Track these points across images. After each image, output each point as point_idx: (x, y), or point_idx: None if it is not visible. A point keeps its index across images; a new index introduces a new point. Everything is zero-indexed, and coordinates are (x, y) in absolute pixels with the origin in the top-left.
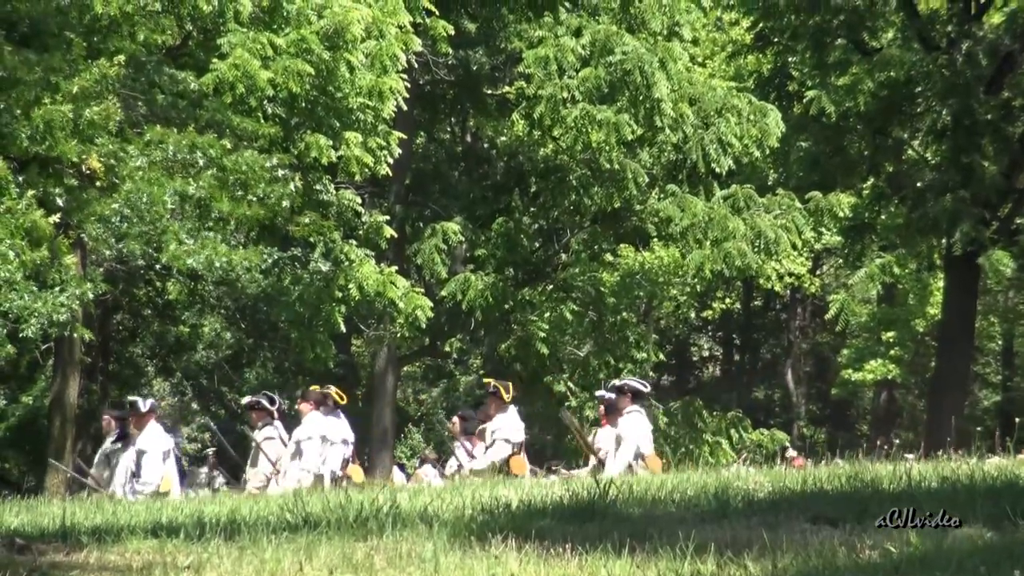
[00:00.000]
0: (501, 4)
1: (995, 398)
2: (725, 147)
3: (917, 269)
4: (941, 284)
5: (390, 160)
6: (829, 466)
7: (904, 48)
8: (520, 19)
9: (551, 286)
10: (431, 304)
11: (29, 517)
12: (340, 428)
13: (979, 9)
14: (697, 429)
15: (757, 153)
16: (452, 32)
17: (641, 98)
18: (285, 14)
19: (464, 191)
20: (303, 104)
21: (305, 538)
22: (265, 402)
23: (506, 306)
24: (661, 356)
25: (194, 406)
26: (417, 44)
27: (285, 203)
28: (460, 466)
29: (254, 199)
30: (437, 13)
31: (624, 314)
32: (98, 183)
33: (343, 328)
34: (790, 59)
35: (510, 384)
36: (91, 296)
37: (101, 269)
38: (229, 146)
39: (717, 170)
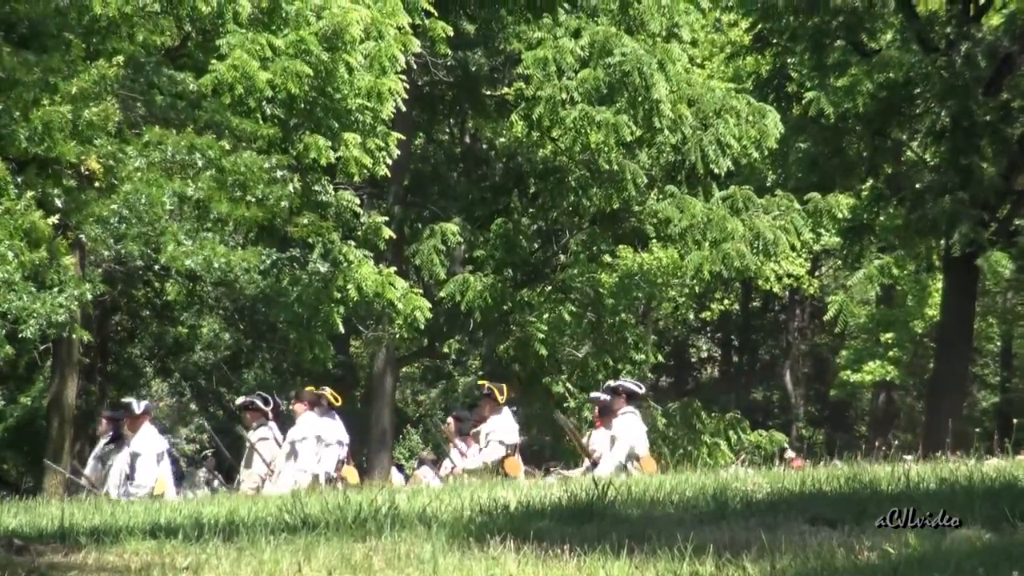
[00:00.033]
0: (500, 5)
1: (994, 399)
2: (724, 148)
3: (916, 270)
4: (940, 285)
5: (389, 161)
6: (827, 467)
7: (903, 49)
8: (519, 20)
9: (550, 287)
10: (430, 305)
11: (27, 518)
12: (335, 429)
13: (978, 11)
14: (695, 430)
15: (756, 154)
16: (451, 33)
17: (640, 99)
18: (284, 15)
19: (463, 192)
20: (302, 105)
21: (304, 539)
22: (259, 403)
23: (505, 307)
24: (659, 357)
25: (192, 407)
26: (416, 45)
27: (284, 204)
28: (453, 466)
29: (252, 200)
30: (436, 14)
31: (623, 315)
32: (97, 184)
33: (342, 329)
34: (789, 60)
35: (504, 386)
36: (89, 297)
37: (100, 270)
38: (228, 147)
39: (716, 171)
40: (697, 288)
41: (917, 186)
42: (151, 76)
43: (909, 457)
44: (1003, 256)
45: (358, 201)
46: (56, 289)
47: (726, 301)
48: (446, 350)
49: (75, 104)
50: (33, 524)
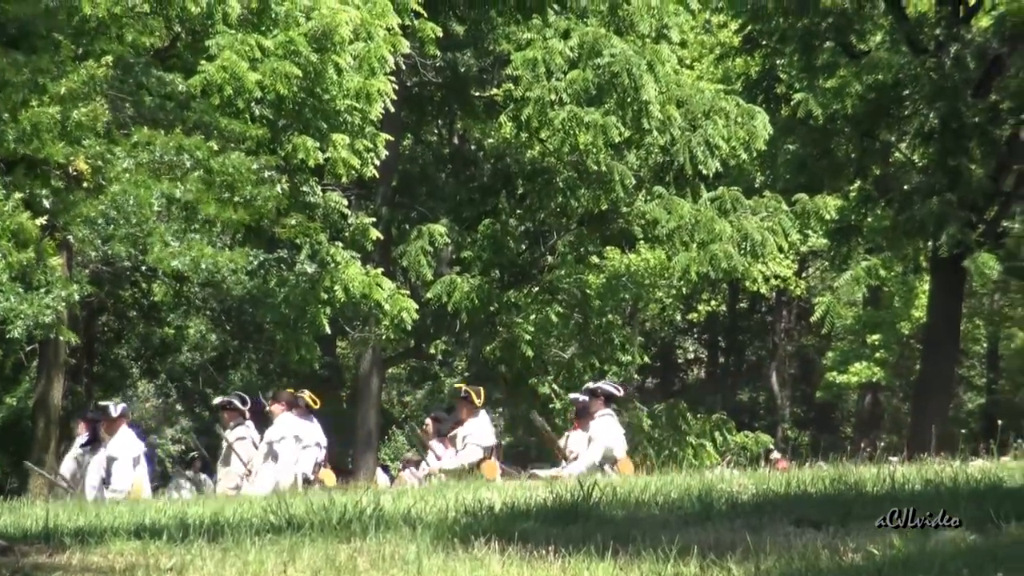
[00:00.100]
0: (489, 6)
1: (980, 401)
2: (712, 149)
3: (903, 272)
4: (927, 287)
5: (377, 162)
6: (813, 468)
7: (892, 51)
8: (508, 21)
9: (537, 288)
10: (416, 306)
11: (12, 518)
12: (313, 431)
13: (967, 12)
14: (681, 431)
15: (744, 155)
16: (440, 34)
17: (629, 100)
18: (273, 16)
19: (451, 193)
20: (290, 106)
21: (288, 540)
22: (237, 402)
23: (491, 308)
24: (646, 358)
25: (179, 407)
26: (405, 46)
27: (271, 205)
28: (428, 468)
29: (240, 201)
30: (425, 15)
31: (609, 316)
32: (85, 184)
33: (328, 330)
34: (778, 62)
35: (481, 389)
36: (77, 298)
37: (87, 271)
38: (216, 148)
39: (704, 172)
40: (684, 289)
41: (905, 187)
42: (140, 77)
43: (894, 458)
44: (990, 258)
45: (346, 202)
46: (43, 290)
47: (713, 302)
48: (432, 351)
49: (64, 105)
50: (17, 525)
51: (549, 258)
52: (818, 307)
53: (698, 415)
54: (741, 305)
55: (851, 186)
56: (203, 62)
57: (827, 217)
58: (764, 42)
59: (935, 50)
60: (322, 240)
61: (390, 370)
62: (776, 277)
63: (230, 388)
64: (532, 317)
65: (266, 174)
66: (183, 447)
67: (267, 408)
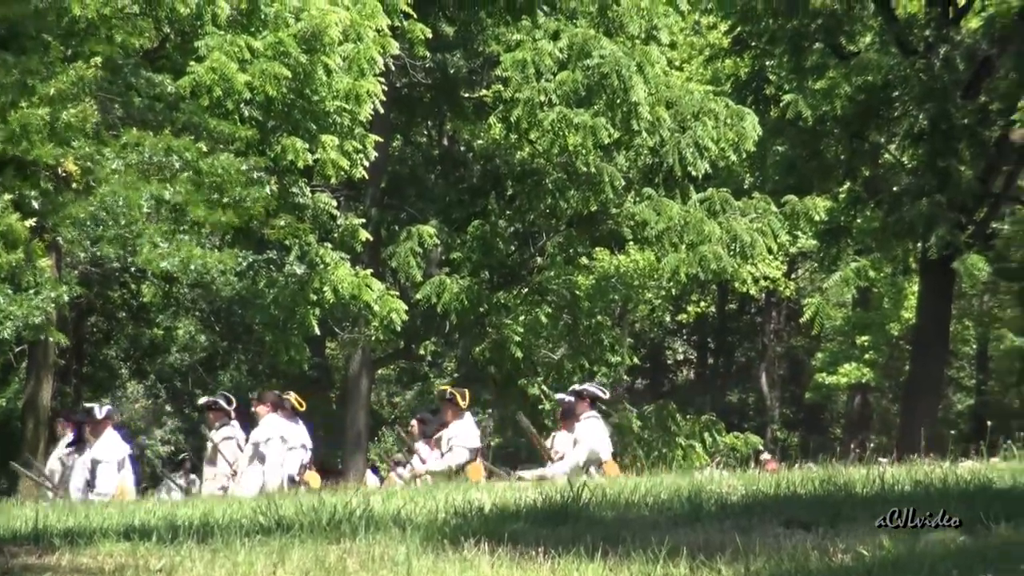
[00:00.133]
0: (479, 7)
1: (969, 402)
2: (702, 151)
3: (892, 273)
4: (916, 288)
5: (366, 163)
6: (802, 470)
7: (881, 52)
8: (498, 22)
9: (526, 289)
10: (406, 307)
11: (1, 519)
12: (299, 433)
13: (957, 13)
14: (670, 432)
15: (733, 157)
16: (430, 35)
17: (618, 101)
18: (263, 17)
19: (440, 194)
20: (280, 107)
21: (278, 541)
22: (222, 402)
23: (481, 309)
24: (635, 359)
25: (168, 408)
26: (394, 47)
27: (260, 206)
28: (413, 469)
29: (229, 201)
30: (415, 16)
31: (599, 317)
32: (74, 186)
33: (317, 331)
34: (767, 63)
35: (467, 391)
36: (66, 299)
37: (76, 272)
38: (205, 149)
39: (693, 173)
40: (673, 290)
41: (894, 189)
42: (129, 78)
43: (884, 459)
44: (979, 259)
45: (335, 203)
46: (32, 291)
47: (702, 303)
48: (422, 352)
49: (53, 106)
50: (7, 526)
51: (538, 259)
52: (807, 308)
53: (687, 416)
54: (730, 306)
55: (840, 187)
56: (192, 63)
57: (816, 218)
58: (753, 43)
59: (924, 51)
60: (311, 241)
61: (379, 371)
62: (765, 278)
63: (219, 389)
64: (521, 318)
65: (255, 175)
66: (172, 448)
67: (252, 409)
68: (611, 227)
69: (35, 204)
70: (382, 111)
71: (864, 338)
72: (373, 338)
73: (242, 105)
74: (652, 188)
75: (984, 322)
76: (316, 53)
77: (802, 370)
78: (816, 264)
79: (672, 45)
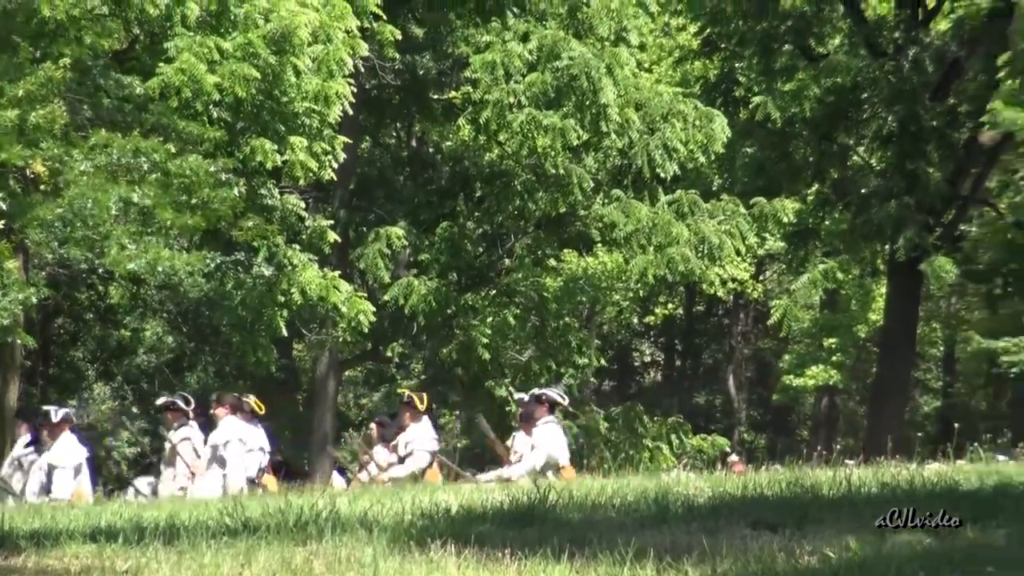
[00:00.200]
0: (448, 9)
1: (936, 404)
2: (670, 152)
3: (860, 275)
4: (883, 290)
5: (335, 165)
6: (769, 471)
7: (851, 54)
8: (467, 24)
9: (494, 291)
10: (373, 308)
11: None
12: (257, 436)
13: (926, 15)
14: (637, 434)
15: (702, 158)
16: (399, 37)
17: (587, 103)
18: (232, 18)
19: (409, 196)
20: (249, 108)
21: (244, 543)
22: (180, 403)
23: (449, 311)
24: (603, 361)
25: (134, 410)
26: (364, 49)
27: (227, 208)
28: (370, 476)
29: (198, 203)
30: (384, 18)
31: (567, 319)
32: (42, 187)
33: (285, 332)
34: (737, 65)
35: (425, 395)
36: (35, 301)
37: (43, 273)
38: (174, 150)
39: (662, 175)
40: (641, 292)
41: (863, 191)
42: (98, 79)
43: (851, 461)
44: (947, 261)
45: (303, 205)
46: (0, 293)
47: (670, 305)
48: (389, 354)
49: (21, 107)
50: None
51: (507, 261)
52: (775, 310)
53: (654, 418)
54: (698, 308)
55: (809, 189)
56: (161, 64)
57: (785, 220)
58: (723, 45)
59: (894, 53)
60: (279, 243)
61: (347, 373)
62: (733, 280)
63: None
64: (489, 320)
65: (224, 176)
66: (138, 450)
67: (211, 411)
68: (579, 229)
69: (3, 205)
70: (351, 112)
71: (831, 340)
72: (340, 340)
73: (211, 106)
74: (621, 190)
75: (951, 324)
76: (285, 54)
77: (769, 372)
78: (784, 266)
79: (642, 47)
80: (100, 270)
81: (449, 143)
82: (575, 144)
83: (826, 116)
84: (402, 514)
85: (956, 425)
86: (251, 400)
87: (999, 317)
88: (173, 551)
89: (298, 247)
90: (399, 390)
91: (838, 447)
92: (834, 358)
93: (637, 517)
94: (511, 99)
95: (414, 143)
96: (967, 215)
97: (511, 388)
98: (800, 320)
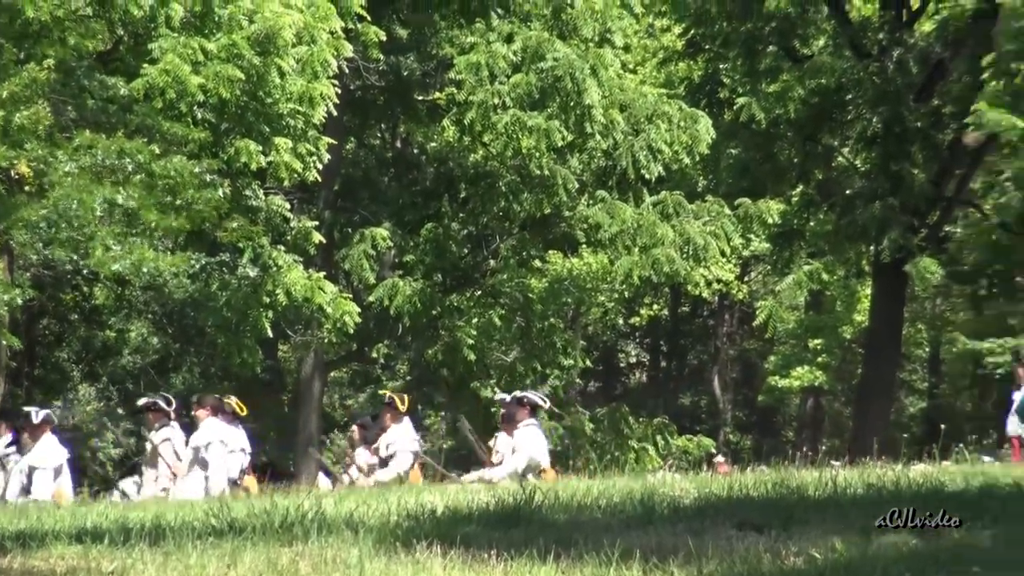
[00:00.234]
0: (433, 10)
1: (921, 405)
2: (655, 153)
3: (845, 276)
4: (868, 291)
5: (319, 166)
6: (755, 472)
7: (835, 55)
8: (452, 25)
9: (479, 292)
10: (359, 309)
11: None
12: (239, 437)
13: (910, 17)
14: (623, 435)
15: (687, 160)
16: (383, 38)
17: (572, 104)
18: (216, 19)
19: (393, 197)
20: (233, 109)
21: (230, 544)
22: (162, 403)
23: (434, 312)
24: (588, 362)
25: (120, 411)
26: (348, 50)
27: (212, 209)
28: (352, 479)
29: (182, 204)
30: (369, 19)
31: (552, 320)
32: (27, 188)
33: (270, 333)
34: (721, 66)
35: (406, 396)
36: (20, 302)
37: (28, 274)
38: (158, 151)
39: (647, 176)
40: (626, 293)
41: (847, 192)
42: (82, 80)
43: (836, 462)
44: (932, 262)
45: (288, 206)
46: None
47: (655, 307)
48: (375, 355)
49: (6, 108)
50: None
51: (492, 262)
52: (760, 311)
53: (640, 419)
54: (683, 309)
55: (793, 190)
56: (146, 65)
57: (769, 221)
58: (707, 46)
59: (878, 54)
60: (264, 244)
61: (332, 374)
62: (718, 281)
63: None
64: (474, 321)
65: (208, 177)
66: (123, 451)
67: (192, 413)
68: (564, 230)
69: None
70: (335, 113)
71: (817, 341)
72: (326, 341)
73: (195, 107)
74: (605, 191)
75: (936, 325)
76: (270, 55)
77: (755, 373)
78: (769, 267)
79: (626, 48)
80: (85, 271)
81: (434, 144)
82: (560, 145)
83: (810, 117)
84: (388, 515)
85: (942, 426)
86: (232, 401)
87: (984, 318)
88: (159, 552)
89: (283, 248)
90: (382, 391)
91: (823, 448)
92: (819, 359)
93: (623, 518)
94: (496, 100)
95: (399, 144)
96: (952, 216)
97: (496, 390)
98: (785, 321)
